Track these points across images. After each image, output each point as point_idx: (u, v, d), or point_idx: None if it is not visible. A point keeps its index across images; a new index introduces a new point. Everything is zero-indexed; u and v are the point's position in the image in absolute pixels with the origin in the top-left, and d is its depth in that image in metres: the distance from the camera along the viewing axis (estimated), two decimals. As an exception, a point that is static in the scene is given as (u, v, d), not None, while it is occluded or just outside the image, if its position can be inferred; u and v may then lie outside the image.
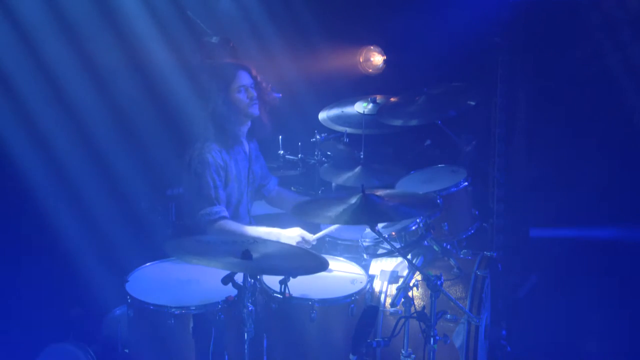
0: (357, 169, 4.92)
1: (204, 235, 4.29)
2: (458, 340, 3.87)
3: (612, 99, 5.22)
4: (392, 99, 5.02)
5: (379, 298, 4.02)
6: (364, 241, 4.34)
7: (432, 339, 3.61)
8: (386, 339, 3.66)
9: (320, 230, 4.37)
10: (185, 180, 4.51)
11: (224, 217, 4.38)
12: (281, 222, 4.61)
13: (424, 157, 5.15)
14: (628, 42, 5.20)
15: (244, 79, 4.54)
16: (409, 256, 3.86)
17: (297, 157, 5.26)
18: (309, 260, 3.57)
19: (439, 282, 3.59)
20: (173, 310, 3.60)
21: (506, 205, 5.39)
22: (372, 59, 6.02)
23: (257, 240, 3.62)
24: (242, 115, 4.56)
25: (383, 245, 4.29)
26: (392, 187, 4.65)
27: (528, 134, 5.60)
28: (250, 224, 4.69)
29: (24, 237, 5.03)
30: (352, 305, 3.79)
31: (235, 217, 4.57)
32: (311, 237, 4.31)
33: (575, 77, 5.32)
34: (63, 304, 4.95)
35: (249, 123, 4.64)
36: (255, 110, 4.56)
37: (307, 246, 4.26)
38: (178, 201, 4.94)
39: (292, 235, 4.28)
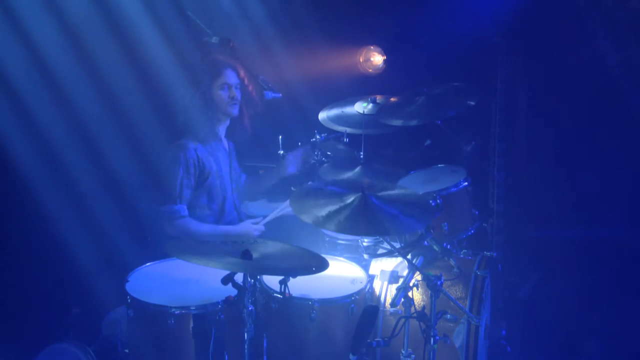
0: (357, 169, 4.92)
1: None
2: (458, 340, 3.87)
3: (612, 99, 5.22)
4: (392, 99, 5.02)
5: (379, 298, 4.02)
6: (364, 241, 4.35)
7: (432, 339, 3.60)
8: (386, 339, 3.66)
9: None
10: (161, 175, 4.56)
11: (184, 217, 4.47)
12: (278, 221, 4.64)
13: (424, 157, 5.15)
14: (628, 42, 5.20)
15: (230, 77, 4.59)
16: (409, 256, 3.86)
17: (297, 157, 5.25)
18: (309, 260, 3.57)
19: (439, 282, 3.59)
20: (173, 310, 3.60)
21: (506, 205, 5.39)
22: (372, 59, 6.01)
23: (257, 240, 3.62)
24: (220, 113, 4.62)
25: (383, 245, 4.29)
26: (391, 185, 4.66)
27: (528, 134, 5.60)
28: (239, 219, 4.75)
29: (24, 237, 5.03)
30: (352, 305, 3.79)
31: (221, 212, 4.64)
32: (259, 226, 4.56)
33: (576, 77, 5.32)
34: (63, 304, 4.95)
35: (228, 122, 4.71)
36: (234, 110, 4.62)
37: (258, 233, 4.52)
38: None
39: (245, 230, 4.52)
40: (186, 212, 4.48)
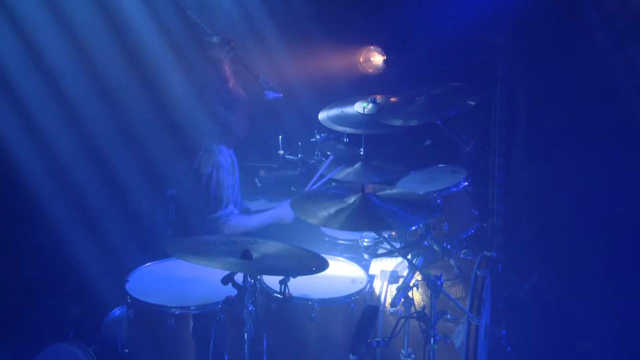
0: (357, 165, 4.93)
1: (203, 236, 4.35)
2: (458, 340, 3.87)
3: (612, 99, 5.22)
4: (392, 99, 5.02)
5: (379, 298, 4.02)
6: (364, 241, 4.34)
7: (432, 339, 3.61)
8: (386, 339, 3.66)
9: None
10: (192, 184, 4.54)
11: (236, 215, 4.54)
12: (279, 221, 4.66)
13: (424, 157, 5.16)
14: (628, 42, 5.20)
15: None
16: (409, 256, 3.86)
17: (297, 157, 5.27)
18: (309, 260, 3.57)
19: (439, 282, 3.59)
20: (173, 310, 3.61)
21: (506, 205, 5.39)
22: (372, 59, 6.01)
23: (257, 240, 3.62)
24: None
25: (383, 245, 4.29)
26: (391, 184, 4.65)
27: (528, 134, 5.60)
28: (241, 210, 4.81)
29: (24, 237, 5.03)
30: (352, 305, 3.80)
31: (235, 205, 4.68)
32: None
33: (576, 77, 5.31)
34: (63, 304, 4.95)
35: None
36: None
37: None
38: (178, 201, 4.95)
39: (284, 210, 4.60)
40: (236, 211, 4.57)
